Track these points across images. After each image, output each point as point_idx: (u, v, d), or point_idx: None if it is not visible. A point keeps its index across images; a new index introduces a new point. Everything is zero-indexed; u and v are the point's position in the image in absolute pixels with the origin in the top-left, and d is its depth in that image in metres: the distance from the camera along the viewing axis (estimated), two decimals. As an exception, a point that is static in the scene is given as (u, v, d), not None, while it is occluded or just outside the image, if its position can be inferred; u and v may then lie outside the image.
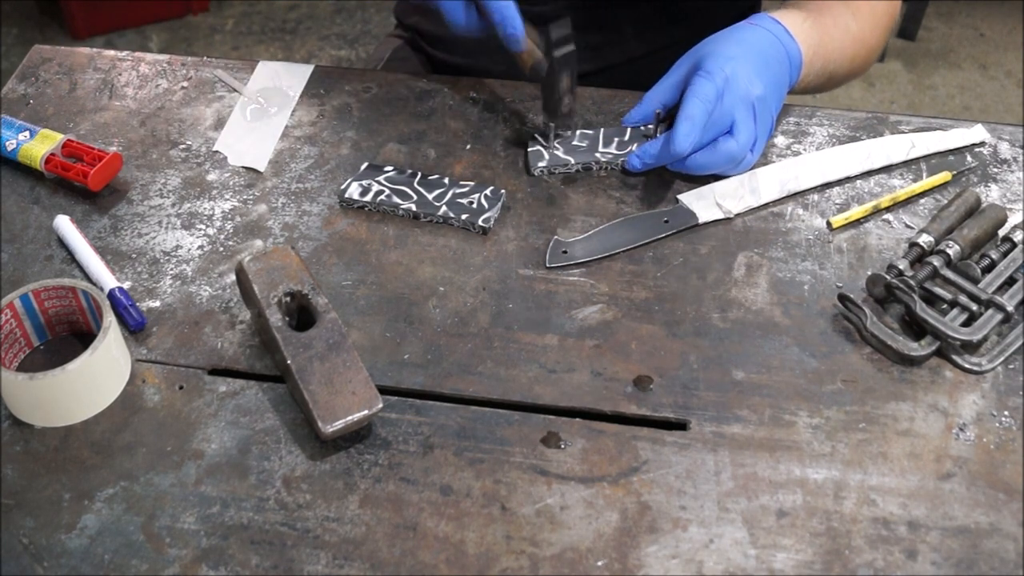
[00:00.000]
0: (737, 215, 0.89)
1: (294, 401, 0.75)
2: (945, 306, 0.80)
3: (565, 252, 0.86)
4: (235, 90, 1.00)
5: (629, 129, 0.94)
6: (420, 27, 1.22)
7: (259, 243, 0.87)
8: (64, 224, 0.87)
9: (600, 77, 1.09)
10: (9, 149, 0.92)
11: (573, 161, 0.92)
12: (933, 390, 0.76)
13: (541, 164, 0.92)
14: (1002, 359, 0.78)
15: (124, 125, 0.98)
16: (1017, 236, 0.84)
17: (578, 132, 0.94)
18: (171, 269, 0.85)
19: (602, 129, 0.95)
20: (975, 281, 0.81)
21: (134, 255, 0.86)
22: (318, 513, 0.69)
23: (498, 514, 0.69)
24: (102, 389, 0.75)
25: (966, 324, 0.78)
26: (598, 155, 0.92)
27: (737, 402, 0.76)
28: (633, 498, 0.70)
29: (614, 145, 0.93)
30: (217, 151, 0.95)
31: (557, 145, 0.93)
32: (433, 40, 1.20)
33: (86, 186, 0.89)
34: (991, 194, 0.91)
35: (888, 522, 0.69)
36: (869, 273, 0.82)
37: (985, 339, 0.79)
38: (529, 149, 0.93)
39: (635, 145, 0.92)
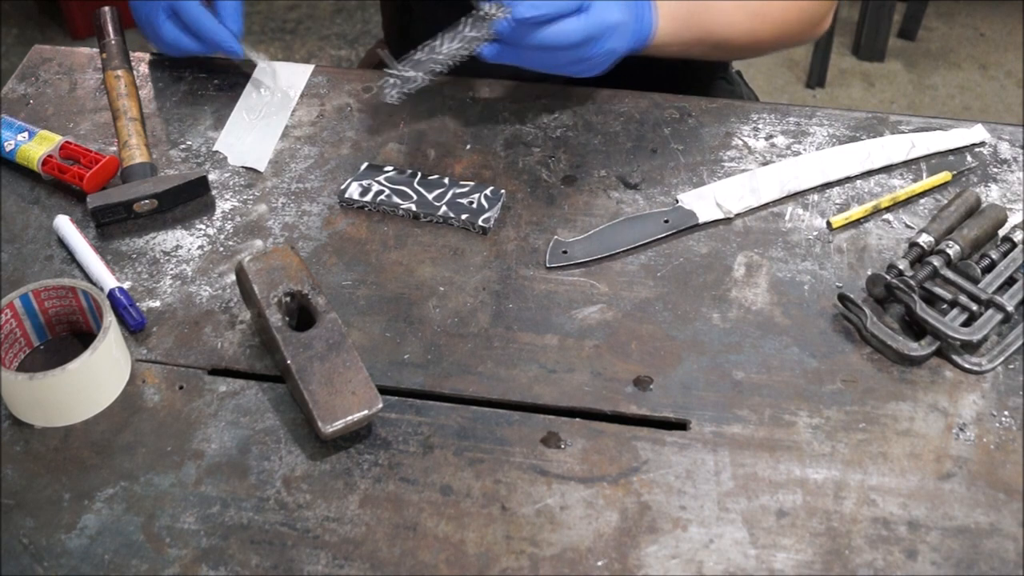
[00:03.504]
0: (737, 215, 0.89)
1: (294, 401, 0.75)
2: (945, 306, 0.80)
3: (565, 252, 0.86)
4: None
5: (466, 21, 0.91)
6: (391, 46, 1.23)
7: (259, 243, 0.87)
8: (64, 224, 0.87)
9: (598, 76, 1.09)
10: (8, 150, 0.92)
11: (421, 74, 0.91)
12: (933, 390, 0.76)
13: (394, 92, 0.92)
14: (1002, 359, 0.78)
15: (124, 125, 0.98)
16: (1017, 236, 0.84)
17: (423, 47, 0.93)
18: (171, 269, 0.85)
19: (443, 34, 0.92)
20: (975, 281, 0.81)
21: (134, 255, 0.86)
22: (318, 513, 0.69)
23: (498, 514, 0.69)
24: (102, 389, 0.75)
25: (966, 324, 0.78)
26: (435, 55, 0.91)
27: (737, 402, 0.76)
28: (633, 498, 0.70)
29: (453, 40, 0.91)
30: (217, 151, 0.95)
31: (405, 68, 0.92)
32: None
33: (82, 188, 0.90)
34: (991, 194, 0.91)
35: (888, 522, 0.69)
36: (869, 273, 0.82)
37: (985, 339, 0.79)
38: (379, 83, 0.93)
39: (479, 31, 0.90)
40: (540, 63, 0.90)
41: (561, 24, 0.86)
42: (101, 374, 0.74)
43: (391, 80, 0.93)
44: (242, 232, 0.88)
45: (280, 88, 1.02)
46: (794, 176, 0.91)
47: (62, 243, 0.87)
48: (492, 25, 0.87)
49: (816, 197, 0.91)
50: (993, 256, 0.83)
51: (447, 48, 0.91)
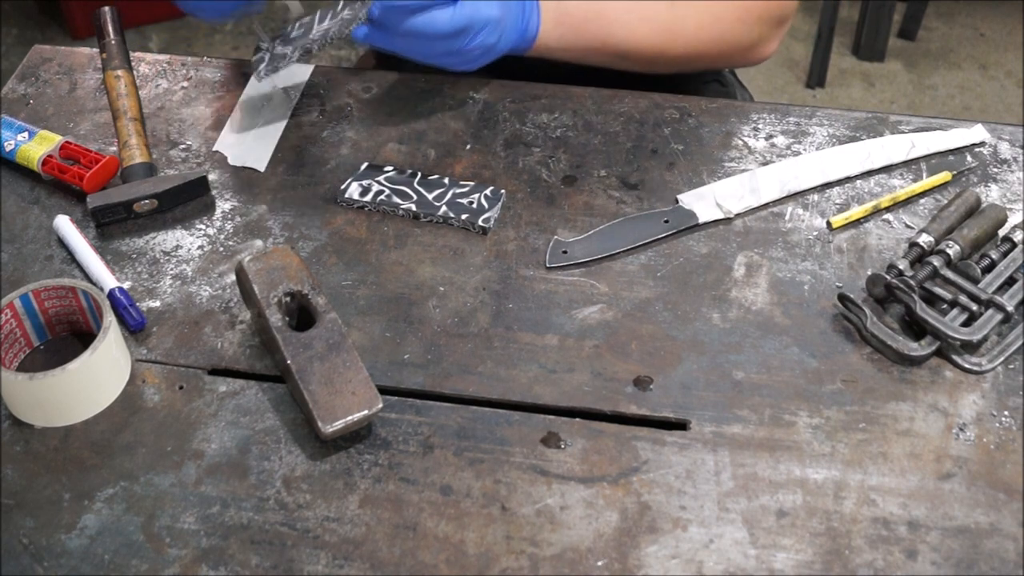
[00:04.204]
0: (737, 215, 0.89)
1: (294, 401, 0.75)
2: (945, 306, 0.80)
3: (565, 252, 0.86)
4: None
5: (343, 1, 0.90)
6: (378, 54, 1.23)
7: (259, 243, 0.87)
8: (64, 224, 0.87)
9: (599, 76, 1.09)
10: (8, 150, 0.92)
11: (291, 50, 0.90)
12: (933, 390, 0.76)
13: (262, 67, 0.90)
14: (1002, 359, 0.78)
15: (124, 125, 0.98)
16: (1017, 236, 0.84)
17: (296, 23, 0.92)
18: (171, 269, 0.85)
19: (318, 12, 0.91)
20: (975, 281, 0.81)
21: (134, 255, 0.86)
22: (318, 513, 0.69)
23: (498, 514, 0.69)
24: (102, 389, 0.75)
25: (966, 324, 0.78)
26: (309, 33, 0.90)
27: (737, 402, 0.76)
28: (633, 498, 0.70)
29: (328, 19, 0.90)
30: (217, 151, 0.95)
31: (278, 44, 0.91)
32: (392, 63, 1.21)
33: (82, 188, 0.90)
34: (991, 194, 0.91)
35: (888, 522, 0.69)
36: (869, 273, 0.82)
37: (985, 339, 0.79)
38: (252, 59, 0.91)
39: (353, 12, 0.89)
40: (410, 50, 0.89)
41: (431, 13, 0.85)
42: (101, 374, 0.74)
43: (262, 55, 0.90)
44: (242, 232, 0.88)
45: (280, 88, 1.02)
46: (794, 176, 0.91)
47: (62, 243, 0.87)
48: (365, 6, 0.87)
49: (816, 197, 0.91)
50: (993, 256, 0.83)
51: (323, 26, 0.89)
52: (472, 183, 0.91)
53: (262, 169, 0.94)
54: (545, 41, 0.94)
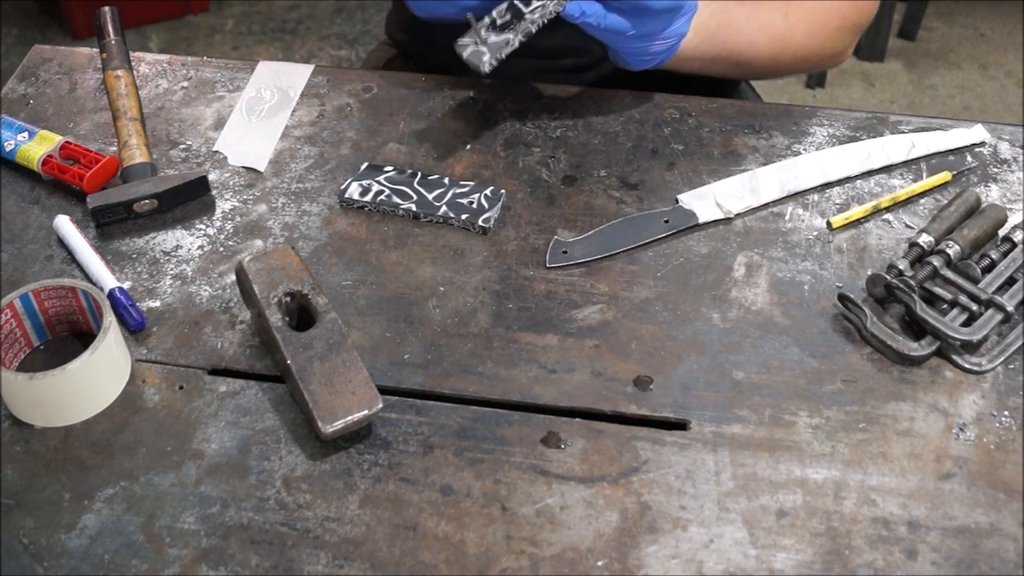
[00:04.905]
0: (737, 215, 0.89)
1: (294, 401, 0.75)
2: (945, 306, 0.80)
3: (565, 252, 0.86)
4: None
5: None
6: (408, 48, 1.23)
7: (259, 243, 0.87)
8: (64, 224, 0.87)
9: (600, 77, 1.09)
10: (8, 150, 0.92)
11: (512, 37, 0.85)
12: (933, 390, 0.76)
13: (486, 58, 0.85)
14: (1002, 359, 0.78)
15: (124, 125, 0.98)
16: (1017, 236, 0.84)
17: (493, 13, 0.86)
18: (171, 269, 0.85)
19: None
20: (975, 281, 0.81)
21: (134, 255, 0.86)
22: (318, 513, 0.69)
23: (498, 514, 0.69)
24: (102, 389, 0.75)
25: (966, 324, 0.78)
26: (527, 17, 0.85)
27: (737, 402, 0.76)
28: (633, 498, 0.70)
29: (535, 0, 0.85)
30: (217, 151, 0.95)
31: (486, 35, 0.86)
32: (420, 59, 1.20)
33: (82, 188, 0.90)
34: (991, 194, 0.91)
35: (888, 522, 0.69)
36: (869, 273, 0.82)
37: (985, 339, 0.79)
38: (465, 55, 0.86)
39: None
40: (621, 27, 0.85)
41: None
42: (101, 374, 0.74)
43: (476, 48, 0.85)
44: (242, 232, 0.88)
45: (280, 88, 1.02)
46: (794, 176, 0.91)
47: (62, 243, 0.87)
48: None
49: (816, 197, 0.91)
50: (993, 256, 0.83)
51: (536, 4, 0.84)
52: (472, 183, 0.91)
53: (262, 169, 0.94)
54: (686, 50, 0.93)
